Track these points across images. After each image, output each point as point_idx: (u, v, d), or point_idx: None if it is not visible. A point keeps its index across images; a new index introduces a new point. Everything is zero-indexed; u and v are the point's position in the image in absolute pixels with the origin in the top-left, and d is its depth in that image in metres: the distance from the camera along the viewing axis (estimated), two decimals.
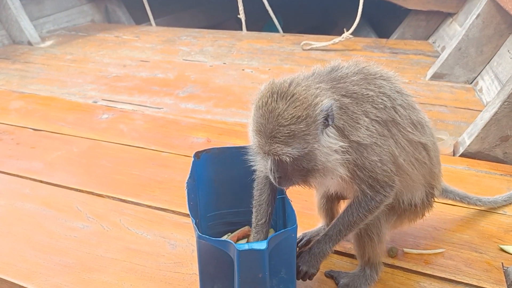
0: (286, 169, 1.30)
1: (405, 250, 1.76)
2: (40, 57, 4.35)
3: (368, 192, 1.39)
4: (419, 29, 4.40)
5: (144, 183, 2.27)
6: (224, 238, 1.73)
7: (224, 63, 4.08)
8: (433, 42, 4.24)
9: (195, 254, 1.62)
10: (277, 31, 5.05)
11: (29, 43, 4.69)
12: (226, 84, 3.61)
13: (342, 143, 1.31)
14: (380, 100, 1.38)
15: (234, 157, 1.65)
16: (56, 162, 2.48)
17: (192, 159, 1.59)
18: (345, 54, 4.11)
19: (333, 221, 1.50)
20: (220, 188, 1.69)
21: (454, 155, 2.52)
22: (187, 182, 1.46)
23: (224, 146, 1.70)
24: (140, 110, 3.17)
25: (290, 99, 1.25)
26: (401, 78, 1.50)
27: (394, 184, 1.43)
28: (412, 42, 4.33)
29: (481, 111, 2.85)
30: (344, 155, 1.32)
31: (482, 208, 1.99)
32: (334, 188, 1.51)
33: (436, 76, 3.43)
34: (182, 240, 1.86)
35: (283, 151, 1.24)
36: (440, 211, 1.96)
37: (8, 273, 1.71)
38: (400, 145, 1.42)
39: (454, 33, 3.94)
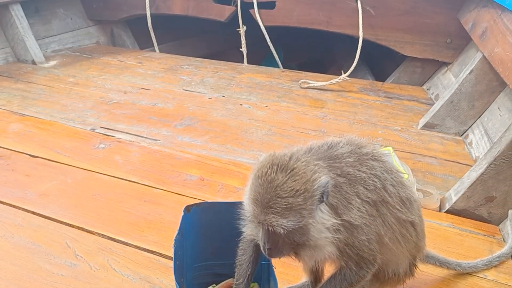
0: (277, 241, 1.34)
1: None
2: (43, 78, 4.42)
3: (354, 267, 1.45)
4: (415, 75, 4.51)
5: (134, 222, 2.31)
6: None
7: (223, 96, 4.16)
8: (428, 89, 4.35)
9: None
10: (276, 63, 5.16)
11: (33, 62, 4.76)
12: (223, 119, 3.68)
13: (335, 221, 1.36)
14: (371, 182, 1.45)
15: (224, 212, 1.69)
16: (50, 193, 2.52)
17: (182, 213, 1.64)
18: (341, 95, 4.21)
19: None
20: (208, 240, 1.74)
21: (440, 210, 2.57)
22: (175, 239, 1.50)
23: (214, 201, 1.75)
24: (137, 141, 3.22)
25: (290, 172, 1.30)
26: (392, 156, 1.58)
27: (375, 262, 1.50)
28: (407, 87, 4.43)
29: (469, 165, 2.93)
30: (335, 234, 1.37)
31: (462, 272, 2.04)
32: (322, 262, 1.56)
33: (428, 126, 3.51)
34: (167, 286, 1.89)
35: (278, 223, 1.29)
36: (422, 271, 1.99)
37: None
38: (388, 223, 1.48)
39: (448, 82, 4.04)
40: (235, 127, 3.55)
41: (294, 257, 1.43)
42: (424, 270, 2.02)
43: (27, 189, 2.55)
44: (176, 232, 1.54)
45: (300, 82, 4.40)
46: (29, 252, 2.06)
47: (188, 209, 1.65)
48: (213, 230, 1.72)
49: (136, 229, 2.25)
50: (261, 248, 1.39)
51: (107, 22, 5.67)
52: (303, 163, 1.34)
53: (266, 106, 3.96)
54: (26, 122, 3.42)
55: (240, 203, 1.62)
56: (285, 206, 1.28)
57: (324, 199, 1.34)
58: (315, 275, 1.84)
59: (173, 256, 1.44)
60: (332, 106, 3.97)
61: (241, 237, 1.57)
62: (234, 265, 1.73)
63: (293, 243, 1.35)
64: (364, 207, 1.43)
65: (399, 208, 1.51)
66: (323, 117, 3.75)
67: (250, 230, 1.48)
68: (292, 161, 1.34)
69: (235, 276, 1.58)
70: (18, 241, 2.13)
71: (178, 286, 1.31)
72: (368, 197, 1.44)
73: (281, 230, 1.30)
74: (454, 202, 2.51)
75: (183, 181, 2.72)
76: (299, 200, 1.29)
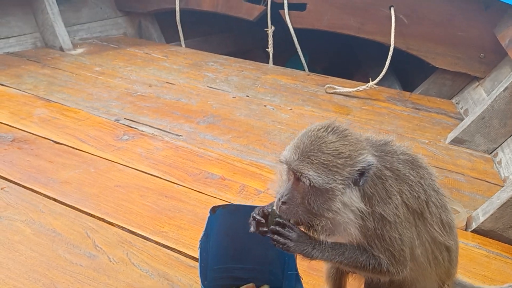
0: (296, 199, 1.29)
1: None
2: (69, 65, 4.45)
3: (385, 261, 1.37)
4: (444, 87, 4.41)
5: (154, 217, 2.29)
6: None
7: (247, 96, 4.13)
8: (457, 103, 4.25)
9: None
10: (301, 65, 5.11)
11: (61, 49, 4.79)
12: (247, 119, 3.64)
13: (363, 207, 1.30)
14: (416, 189, 1.38)
15: (248, 215, 1.66)
16: (72, 181, 2.52)
17: (208, 214, 1.60)
18: (367, 103, 4.14)
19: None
20: (230, 243, 1.70)
21: (466, 229, 2.50)
22: (200, 240, 1.47)
23: (241, 204, 1.71)
24: (160, 135, 3.20)
25: (342, 136, 1.28)
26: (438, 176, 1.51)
27: (405, 267, 1.42)
28: (435, 99, 4.34)
29: (498, 184, 2.85)
30: (359, 220, 1.31)
31: None
32: (327, 272, 1.50)
33: (456, 141, 3.42)
34: (186, 285, 1.86)
35: (308, 173, 1.25)
36: None
37: None
38: (422, 239, 1.42)
39: (478, 97, 3.94)
40: (258, 128, 3.51)
41: (306, 228, 1.35)
42: None
43: (50, 175, 2.55)
44: (202, 233, 1.51)
45: (325, 86, 4.34)
46: (49, 239, 2.05)
47: (214, 210, 1.62)
48: (236, 233, 1.68)
49: (157, 224, 2.23)
50: (275, 204, 1.33)
51: (135, 14, 5.69)
52: (357, 136, 1.32)
53: (290, 109, 3.91)
54: (51, 108, 3.43)
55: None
56: (322, 161, 1.25)
57: (361, 183, 1.28)
58: (338, 285, 1.78)
59: (198, 257, 1.41)
60: (358, 114, 3.91)
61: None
62: (256, 269, 1.69)
63: (311, 209, 1.29)
64: (403, 208, 1.36)
65: (437, 230, 1.45)
66: (348, 125, 3.66)
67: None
68: (348, 130, 1.31)
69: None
70: (39, 228, 2.12)
71: None
72: (410, 202, 1.38)
73: (307, 181, 1.25)
74: (482, 222, 2.43)
75: (204, 179, 2.69)
76: (338, 162, 1.25)
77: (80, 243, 2.05)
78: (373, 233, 1.35)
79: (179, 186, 2.59)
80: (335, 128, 1.31)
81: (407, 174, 1.38)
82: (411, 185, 1.38)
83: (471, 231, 2.46)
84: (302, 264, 2.03)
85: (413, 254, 1.43)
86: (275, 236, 1.36)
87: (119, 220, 2.23)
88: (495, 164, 3.20)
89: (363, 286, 1.62)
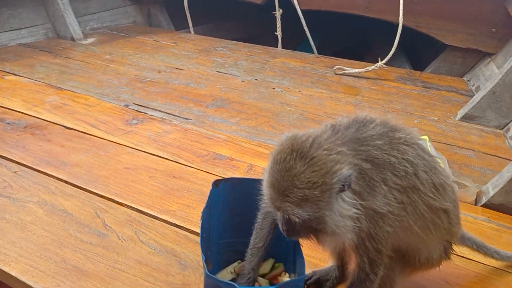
0: (294, 226, 1.32)
1: None
2: (80, 54, 4.51)
3: (367, 267, 1.40)
4: (455, 65, 4.33)
5: (163, 196, 2.33)
6: (234, 266, 1.76)
7: (256, 79, 4.13)
8: (468, 81, 4.17)
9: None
10: (311, 50, 5.07)
11: (72, 39, 4.85)
12: (255, 102, 3.65)
13: (356, 210, 1.31)
14: (401, 167, 1.38)
15: (252, 189, 1.67)
16: (83, 164, 2.57)
17: (211, 187, 1.62)
18: (376, 83, 4.10)
19: None
20: (234, 217, 1.72)
21: (476, 203, 2.47)
22: (202, 212, 1.50)
23: (244, 177, 1.73)
24: (169, 119, 3.24)
25: (309, 161, 1.25)
26: (428, 145, 1.51)
27: (383, 263, 1.44)
28: (446, 78, 4.27)
29: (509, 159, 2.80)
30: (357, 223, 1.32)
31: (499, 262, 1.94)
32: (333, 247, 1.53)
33: (467, 117, 3.37)
34: (193, 262, 1.89)
35: (293, 212, 1.26)
36: (455, 264, 1.93)
37: (16, 271, 1.77)
38: (419, 211, 1.42)
39: (491, 74, 3.86)
40: (266, 110, 3.51)
41: (313, 240, 1.40)
42: (458, 264, 1.95)
43: (61, 159, 2.61)
44: (204, 205, 1.53)
45: (334, 68, 4.30)
46: (60, 219, 2.11)
47: (216, 183, 1.64)
48: (240, 207, 1.70)
49: (165, 204, 2.26)
50: (280, 229, 1.37)
51: (144, 2, 5.71)
52: (324, 152, 1.28)
53: (299, 91, 3.90)
54: (63, 96, 3.49)
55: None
56: (301, 197, 1.25)
57: (346, 189, 1.28)
58: (342, 259, 1.80)
59: (200, 228, 1.43)
60: (367, 94, 3.87)
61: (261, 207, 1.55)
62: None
63: (310, 228, 1.32)
64: (392, 194, 1.37)
65: (432, 196, 1.44)
66: (356, 104, 3.66)
67: (269, 208, 1.46)
68: (313, 148, 1.28)
69: (252, 239, 1.57)
70: (50, 208, 2.18)
71: (204, 258, 1.30)
72: (398, 184, 1.37)
73: (296, 219, 1.27)
74: (492, 196, 2.40)
75: (212, 160, 2.72)
76: (315, 192, 1.24)
77: (90, 223, 2.10)
78: (366, 234, 1.36)
79: (187, 167, 2.62)
80: (299, 150, 1.28)
81: (387, 160, 1.37)
82: (395, 166, 1.37)
83: (481, 206, 2.43)
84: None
85: (411, 232, 1.44)
86: None
87: (128, 200, 2.27)
88: (507, 139, 3.15)
89: None
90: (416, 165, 1.41)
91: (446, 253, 1.62)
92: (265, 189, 1.35)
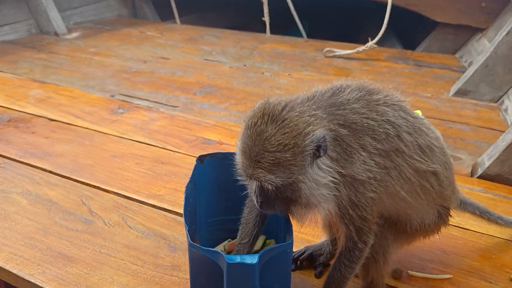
0: (268, 196, 1.25)
1: (410, 272, 1.69)
2: (64, 49, 4.42)
3: (354, 236, 1.34)
4: (446, 42, 4.28)
5: (150, 182, 2.26)
6: (224, 244, 1.70)
7: (245, 65, 4.06)
8: (460, 57, 4.12)
9: None
10: (301, 35, 5.00)
11: (56, 34, 4.76)
12: (244, 87, 3.58)
13: (333, 178, 1.24)
14: (381, 130, 1.31)
15: None
16: (68, 154, 2.50)
17: (195, 162, 1.56)
18: (368, 64, 4.04)
19: (326, 277, 1.45)
20: (222, 194, 1.66)
21: (472, 176, 2.42)
22: (186, 187, 1.44)
23: (229, 151, 1.67)
24: (155, 107, 3.17)
25: (280, 124, 1.20)
26: (406, 102, 1.43)
27: (372, 231, 1.38)
28: (438, 55, 4.21)
29: (504, 132, 2.75)
30: (334, 191, 1.26)
31: (496, 231, 1.89)
32: (322, 220, 1.46)
33: (460, 93, 3.32)
34: (183, 244, 1.83)
35: (266, 178, 1.20)
36: (452, 234, 1.88)
37: (6, 262, 1.71)
38: (405, 175, 1.35)
39: (482, 48, 3.81)
40: (256, 95, 3.44)
41: (288, 213, 1.33)
42: (454, 234, 1.90)
43: (45, 150, 2.54)
44: (188, 180, 1.47)
45: (324, 50, 4.24)
46: (45, 208, 2.04)
47: (201, 159, 1.58)
48: (227, 183, 1.62)
49: (152, 189, 2.20)
50: (254, 202, 1.31)
51: None
52: (296, 114, 1.22)
53: (289, 74, 3.84)
54: (47, 89, 3.41)
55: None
56: (272, 161, 1.19)
57: (322, 154, 1.22)
58: (335, 234, 1.74)
59: (184, 202, 1.37)
60: (358, 75, 3.81)
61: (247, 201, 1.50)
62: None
63: (285, 198, 1.25)
64: (372, 160, 1.30)
65: (418, 158, 1.37)
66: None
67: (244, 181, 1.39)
68: (284, 111, 1.22)
69: (239, 234, 1.51)
70: (35, 198, 2.11)
71: (187, 228, 1.24)
72: (378, 148, 1.30)
73: (269, 186, 1.21)
74: (487, 167, 2.35)
75: (201, 144, 2.65)
76: (287, 155, 1.18)
77: (76, 210, 2.03)
78: (347, 202, 1.29)
79: (175, 152, 2.56)
80: (270, 113, 1.22)
81: (365, 124, 1.30)
82: (374, 130, 1.31)
83: (477, 177, 2.38)
84: None
85: (398, 198, 1.38)
86: None
87: (114, 187, 2.21)
88: (501, 112, 3.10)
89: None
90: (398, 126, 1.33)
91: (442, 218, 1.54)
92: (238, 157, 1.29)
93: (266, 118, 1.21)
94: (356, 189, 1.29)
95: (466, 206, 1.75)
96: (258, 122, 1.21)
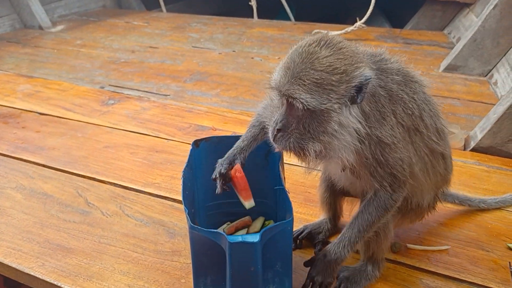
0: (290, 124, 1.21)
1: (409, 245, 1.71)
2: (50, 42, 4.35)
3: (389, 189, 1.33)
4: (435, 19, 4.28)
5: (146, 171, 2.25)
6: (223, 227, 1.70)
7: (234, 51, 4.03)
8: (449, 33, 4.13)
9: None
10: (289, 19, 4.97)
11: (40, 28, 4.68)
12: (234, 72, 3.56)
13: (361, 128, 1.22)
14: (410, 106, 1.32)
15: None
16: (61, 147, 2.47)
17: (191, 147, 1.55)
18: (357, 44, 4.01)
19: (349, 223, 1.42)
20: None
21: (464, 149, 2.44)
22: (183, 171, 1.43)
23: (224, 135, 1.66)
24: (146, 96, 3.14)
25: (336, 50, 1.18)
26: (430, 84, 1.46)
27: (405, 187, 1.38)
28: (426, 32, 4.21)
29: (495, 105, 2.77)
30: (358, 143, 1.24)
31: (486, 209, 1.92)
32: (338, 177, 1.46)
33: (450, 68, 3.33)
34: (182, 229, 1.83)
35: (301, 96, 1.15)
36: (447, 206, 1.90)
37: (5, 257, 1.70)
38: (420, 154, 1.38)
39: (470, 24, 3.82)
40: (246, 80, 3.43)
41: (300, 155, 1.26)
42: (450, 205, 1.92)
43: (37, 144, 2.51)
44: (185, 164, 1.47)
45: (313, 32, 4.21)
46: (40, 202, 2.03)
47: (197, 143, 1.57)
48: None
49: (149, 177, 2.19)
50: (270, 133, 1.26)
51: None
52: (352, 48, 1.22)
53: (278, 58, 3.81)
54: (34, 83, 3.36)
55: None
56: (315, 80, 1.15)
57: (358, 101, 1.20)
58: (334, 212, 1.75)
59: (181, 186, 1.37)
60: None
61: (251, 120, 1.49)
62: None
63: (306, 133, 1.21)
64: (398, 128, 1.31)
65: (435, 140, 1.40)
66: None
67: (264, 112, 1.36)
68: (342, 42, 1.21)
69: (239, 141, 1.47)
70: (29, 192, 2.09)
71: (187, 211, 1.24)
72: (404, 121, 1.32)
73: (300, 105, 1.16)
74: (480, 140, 2.37)
75: (194, 131, 2.64)
76: (333, 78, 1.16)
77: (72, 202, 2.02)
78: (373, 161, 1.29)
79: (169, 140, 2.54)
80: (328, 41, 1.21)
81: (400, 95, 1.32)
82: (405, 103, 1.32)
83: (470, 150, 2.41)
84: (299, 197, 2.02)
85: (412, 172, 1.39)
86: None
87: (110, 177, 2.19)
88: (491, 85, 3.12)
89: (357, 206, 1.58)
90: (422, 109, 1.36)
91: (433, 203, 1.60)
92: (276, 73, 1.24)
93: (322, 43, 1.20)
94: (383, 149, 1.28)
95: (446, 197, 1.81)
96: (313, 45, 1.20)
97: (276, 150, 1.32)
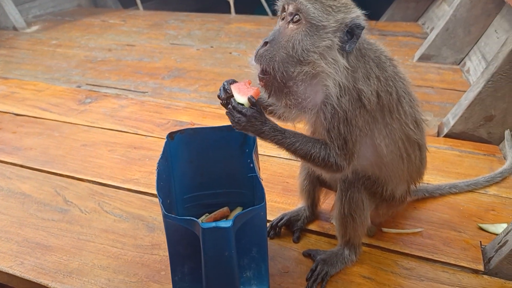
0: (281, 40, 1.24)
1: (383, 229, 1.75)
2: (25, 42, 4.29)
3: (336, 149, 1.32)
4: (409, 10, 4.35)
5: (125, 167, 2.25)
6: (202, 218, 1.72)
7: (212, 47, 4.03)
8: (423, 24, 4.20)
9: None
10: (266, 13, 4.99)
11: (14, 28, 4.61)
12: (213, 68, 3.57)
13: (346, 65, 1.26)
14: (390, 84, 1.35)
15: (210, 138, 1.63)
16: (38, 147, 2.45)
17: (166, 140, 1.57)
18: None
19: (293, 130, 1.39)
20: (196, 170, 1.67)
21: (438, 135, 2.50)
22: (158, 163, 1.44)
23: (199, 127, 1.68)
24: (124, 94, 3.13)
25: None
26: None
27: (352, 161, 1.37)
28: (401, 23, 4.28)
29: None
30: (342, 78, 1.26)
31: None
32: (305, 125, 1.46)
33: (424, 58, 3.40)
34: (161, 223, 1.83)
35: (307, 5, 1.23)
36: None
37: None
38: (394, 137, 1.40)
39: (443, 14, 3.89)
40: (225, 75, 3.44)
41: (282, 82, 1.26)
42: None
43: (14, 144, 2.48)
44: (159, 157, 1.48)
45: None
46: (18, 201, 2.01)
47: (171, 136, 1.58)
48: (200, 159, 1.65)
49: (127, 174, 2.19)
50: (256, 51, 1.27)
51: None
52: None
53: None
54: (9, 84, 3.32)
55: (226, 127, 1.55)
56: None
57: (347, 48, 1.25)
58: (312, 199, 1.78)
59: (156, 177, 1.38)
60: None
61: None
62: (227, 193, 1.68)
63: (291, 55, 1.23)
64: (375, 98, 1.32)
65: (412, 128, 1.43)
66: None
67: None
68: None
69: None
70: (7, 193, 2.07)
71: (161, 200, 1.25)
72: (382, 94, 1.33)
73: (303, 13, 1.22)
74: (453, 126, 2.44)
75: (173, 127, 2.65)
76: (335, 3, 1.25)
77: (51, 201, 2.01)
78: (341, 116, 1.29)
79: (148, 137, 2.55)
80: None
81: (386, 66, 1.37)
82: (387, 78, 1.35)
83: (443, 136, 2.46)
84: (278, 187, 2.05)
85: (377, 151, 1.42)
86: (232, 111, 1.35)
87: (88, 175, 2.19)
88: (464, 73, 3.19)
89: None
90: (400, 96, 1.38)
91: (405, 196, 1.63)
92: None
93: None
94: (355, 108, 1.30)
95: (416, 193, 1.86)
96: None
97: (255, 70, 1.32)
